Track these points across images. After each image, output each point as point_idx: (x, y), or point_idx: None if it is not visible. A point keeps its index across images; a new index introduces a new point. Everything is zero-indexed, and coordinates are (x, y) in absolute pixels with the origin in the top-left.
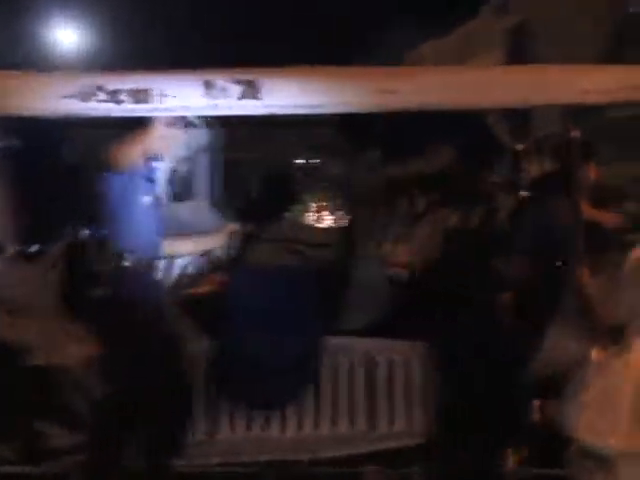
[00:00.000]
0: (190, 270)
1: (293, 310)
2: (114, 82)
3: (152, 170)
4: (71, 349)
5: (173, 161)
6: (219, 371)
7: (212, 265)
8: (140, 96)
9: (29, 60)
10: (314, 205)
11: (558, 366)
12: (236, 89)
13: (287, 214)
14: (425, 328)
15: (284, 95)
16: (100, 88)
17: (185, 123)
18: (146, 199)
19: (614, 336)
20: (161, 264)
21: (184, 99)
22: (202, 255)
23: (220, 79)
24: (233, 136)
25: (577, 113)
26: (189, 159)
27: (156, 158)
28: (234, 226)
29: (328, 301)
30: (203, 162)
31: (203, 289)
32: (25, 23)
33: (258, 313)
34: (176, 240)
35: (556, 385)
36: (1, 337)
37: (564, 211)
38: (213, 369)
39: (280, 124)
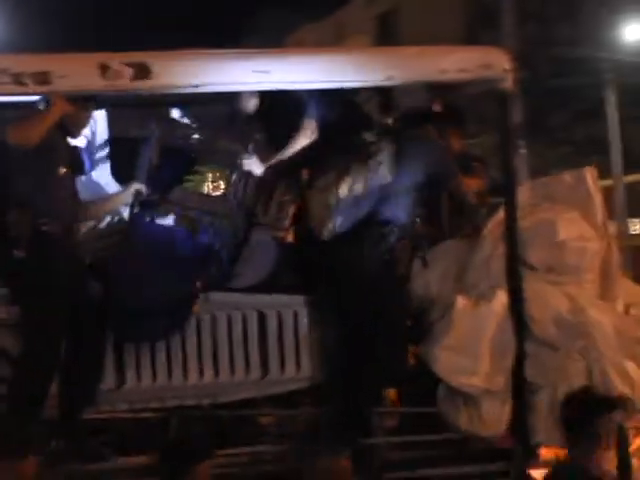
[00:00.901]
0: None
1: (175, 264)
2: (17, 65)
3: (65, 144)
4: None
5: (84, 136)
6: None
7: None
8: (42, 78)
9: None
10: (210, 175)
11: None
12: (129, 71)
13: (186, 184)
14: (308, 282)
15: (172, 76)
16: (4, 71)
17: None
18: (61, 170)
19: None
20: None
21: (83, 80)
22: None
23: (114, 62)
24: (134, 114)
25: (439, 89)
26: (97, 135)
27: (69, 133)
28: (139, 185)
29: (213, 260)
30: (108, 138)
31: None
32: None
33: (146, 264)
34: (88, 204)
35: (425, 328)
36: None
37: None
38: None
39: (174, 103)
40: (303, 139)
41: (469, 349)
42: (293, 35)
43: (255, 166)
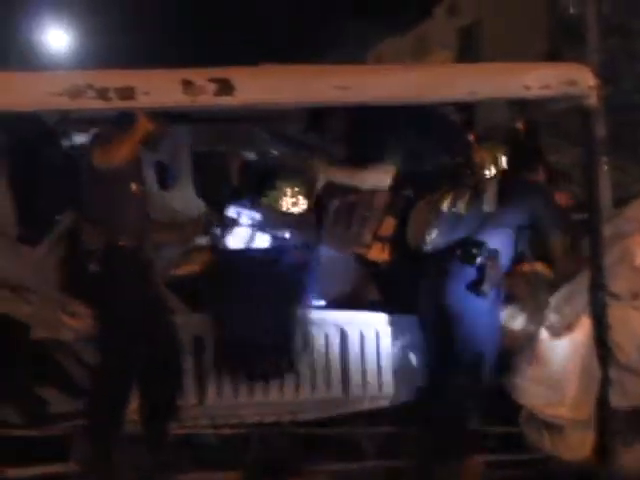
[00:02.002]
0: (176, 252)
1: (272, 288)
2: (102, 80)
3: (142, 161)
4: (68, 325)
5: (160, 153)
6: (218, 346)
7: (196, 248)
8: (126, 93)
9: (22, 59)
10: (289, 191)
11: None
12: (212, 87)
13: (263, 199)
14: (394, 301)
15: (254, 92)
16: (89, 86)
17: (169, 118)
18: (136, 188)
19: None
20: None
21: (166, 96)
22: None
23: (197, 78)
24: (213, 130)
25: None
26: (174, 151)
27: (145, 150)
28: (214, 213)
29: (302, 278)
30: (186, 154)
31: (188, 269)
32: (18, 24)
33: (240, 291)
34: (163, 228)
35: (510, 357)
36: (6, 311)
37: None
38: (211, 344)
39: (255, 118)
40: (379, 176)
41: (555, 380)
42: (374, 49)
43: (336, 182)
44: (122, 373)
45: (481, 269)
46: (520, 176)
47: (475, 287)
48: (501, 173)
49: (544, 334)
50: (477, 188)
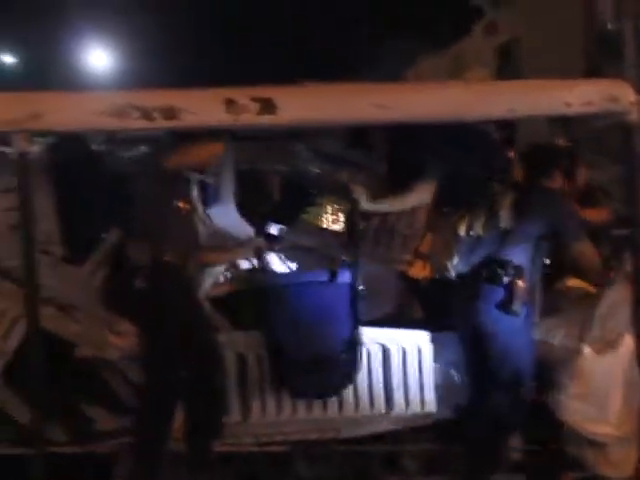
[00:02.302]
0: (222, 270)
1: (317, 306)
2: (145, 100)
3: (191, 178)
4: (113, 343)
5: (209, 171)
6: (271, 365)
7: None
8: (169, 113)
9: (68, 79)
10: (329, 208)
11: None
12: (254, 106)
13: (303, 216)
14: (436, 318)
15: (297, 111)
16: (133, 106)
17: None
18: (184, 205)
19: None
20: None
21: (209, 115)
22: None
23: (240, 97)
24: (254, 147)
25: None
26: (217, 169)
27: (197, 168)
28: (260, 241)
29: (346, 296)
30: (230, 172)
31: (232, 288)
32: (65, 45)
33: (284, 310)
34: (211, 249)
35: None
36: (53, 329)
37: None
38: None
39: (297, 136)
40: (420, 194)
41: (598, 397)
42: (412, 67)
43: (374, 200)
44: (167, 390)
45: (508, 288)
46: (535, 185)
47: (505, 306)
48: (515, 185)
49: (587, 350)
50: (492, 207)
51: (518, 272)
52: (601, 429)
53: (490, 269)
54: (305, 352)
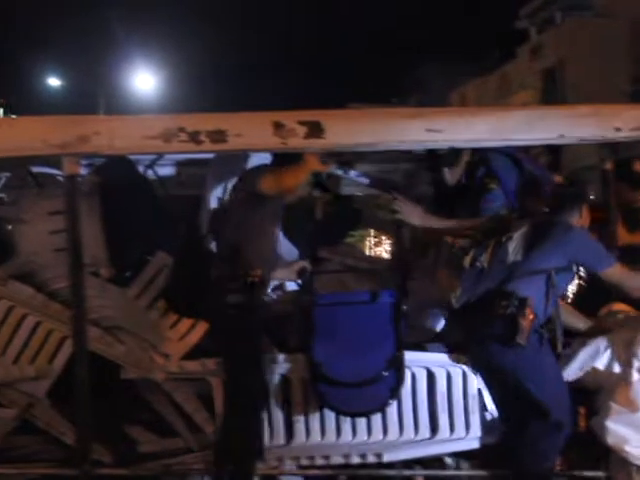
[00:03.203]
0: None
1: (368, 327)
2: (194, 124)
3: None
4: (157, 366)
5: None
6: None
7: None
8: (217, 136)
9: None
10: (372, 231)
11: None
12: (302, 129)
13: (348, 239)
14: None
15: (344, 135)
16: (182, 129)
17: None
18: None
19: None
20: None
21: (256, 138)
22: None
23: (288, 120)
24: None
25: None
26: None
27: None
28: (304, 262)
29: (392, 319)
30: None
31: (280, 309)
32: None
33: (333, 332)
34: None
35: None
36: (98, 350)
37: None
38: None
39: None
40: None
41: None
42: (458, 89)
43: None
44: (251, 406)
45: (512, 320)
46: (550, 218)
47: (508, 339)
48: (529, 216)
49: (635, 376)
50: (499, 240)
51: (522, 304)
52: None
53: (493, 301)
54: (347, 370)
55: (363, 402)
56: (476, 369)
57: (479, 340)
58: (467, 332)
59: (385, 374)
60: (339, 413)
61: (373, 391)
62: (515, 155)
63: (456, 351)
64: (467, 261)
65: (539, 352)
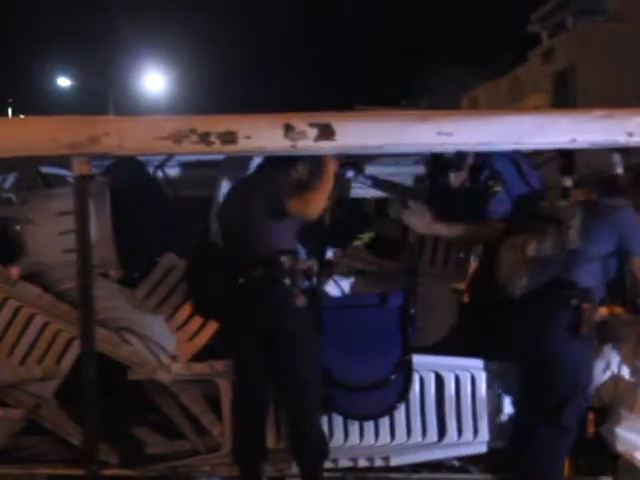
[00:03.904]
0: None
1: (376, 330)
2: (204, 125)
3: None
4: (165, 367)
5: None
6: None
7: None
8: (228, 138)
9: (125, 105)
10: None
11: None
12: (313, 131)
13: (356, 242)
14: (490, 346)
15: (355, 137)
16: (192, 131)
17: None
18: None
19: None
20: None
21: (267, 140)
22: None
23: (298, 122)
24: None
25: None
26: None
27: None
28: (312, 263)
29: (401, 322)
30: None
31: None
32: (117, 70)
33: (341, 333)
34: None
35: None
36: (106, 351)
37: None
38: None
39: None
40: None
41: None
42: (469, 92)
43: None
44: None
45: (576, 310)
46: (602, 203)
47: (572, 329)
48: (581, 203)
49: None
50: (559, 227)
51: (586, 294)
52: None
53: (557, 290)
54: (355, 374)
55: (371, 406)
56: (512, 365)
57: (537, 330)
58: (521, 322)
59: (393, 378)
60: (347, 417)
61: (381, 395)
62: (514, 157)
63: (468, 355)
64: (531, 249)
65: (591, 345)
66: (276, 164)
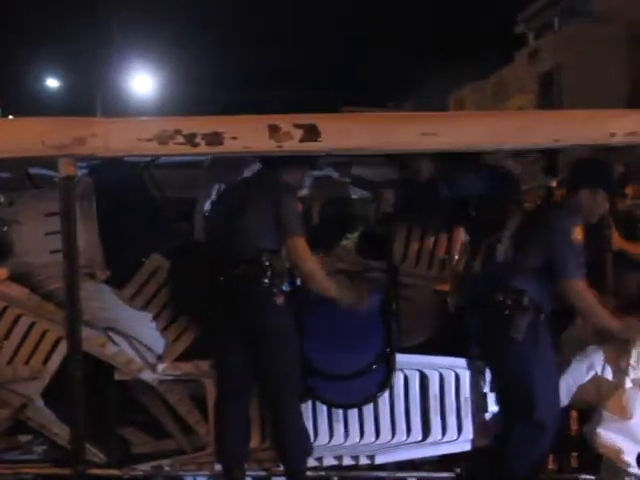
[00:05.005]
0: None
1: (357, 324)
2: (190, 126)
3: None
4: (151, 367)
5: None
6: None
7: None
8: (214, 139)
9: (109, 106)
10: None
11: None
12: (298, 132)
13: (344, 242)
14: (474, 345)
15: (341, 138)
16: (178, 132)
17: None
18: None
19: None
20: None
21: (253, 141)
22: None
23: (284, 123)
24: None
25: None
26: None
27: None
28: None
29: (385, 321)
30: None
31: None
32: (105, 71)
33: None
34: None
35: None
36: (93, 352)
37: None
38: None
39: (338, 163)
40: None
41: (636, 430)
42: (455, 92)
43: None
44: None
45: (509, 314)
46: (542, 213)
47: (505, 334)
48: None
49: (629, 384)
50: (491, 242)
51: (519, 298)
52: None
53: (491, 298)
54: (337, 363)
55: (352, 395)
56: (483, 368)
57: (480, 338)
58: (469, 332)
59: (374, 367)
60: (328, 405)
61: (362, 384)
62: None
63: (452, 354)
64: (460, 266)
65: (536, 348)
66: (274, 171)
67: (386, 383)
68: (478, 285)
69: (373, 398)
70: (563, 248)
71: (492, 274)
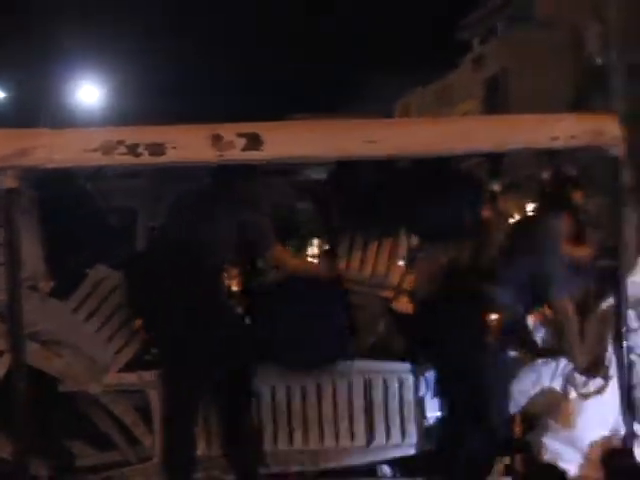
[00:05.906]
0: None
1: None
2: (133, 136)
3: None
4: (95, 378)
5: None
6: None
7: None
8: (156, 149)
9: (55, 117)
10: (314, 240)
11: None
12: (240, 141)
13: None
14: (420, 351)
15: (283, 147)
16: (121, 142)
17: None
18: None
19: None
20: None
21: (195, 151)
22: None
23: (226, 133)
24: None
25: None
26: None
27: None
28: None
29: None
30: None
31: None
32: (51, 82)
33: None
34: None
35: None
36: (36, 364)
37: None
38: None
39: (283, 172)
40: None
41: (581, 440)
42: (401, 100)
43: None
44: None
45: (481, 321)
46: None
47: (477, 337)
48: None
49: (574, 394)
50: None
51: (491, 307)
52: (582, 472)
53: (463, 301)
54: (295, 335)
55: (308, 358)
56: (435, 370)
57: (447, 339)
58: (434, 332)
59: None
60: (287, 366)
61: (318, 347)
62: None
63: (396, 359)
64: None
65: (501, 356)
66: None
67: (342, 347)
68: (448, 282)
69: (330, 361)
70: (554, 270)
71: (461, 273)
